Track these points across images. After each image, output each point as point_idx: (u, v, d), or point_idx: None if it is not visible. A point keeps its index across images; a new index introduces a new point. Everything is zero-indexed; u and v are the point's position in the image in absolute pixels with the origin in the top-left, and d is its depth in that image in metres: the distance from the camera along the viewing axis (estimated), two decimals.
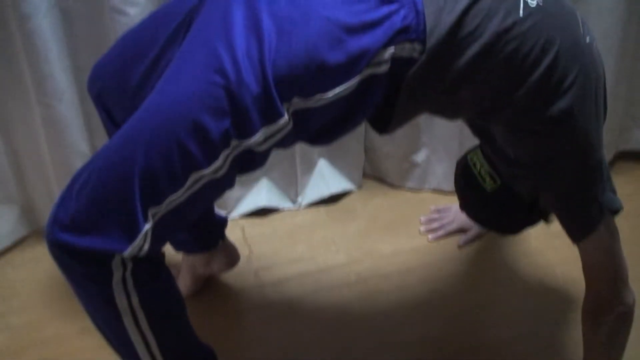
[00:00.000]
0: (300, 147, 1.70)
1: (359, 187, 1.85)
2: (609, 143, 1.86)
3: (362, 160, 1.85)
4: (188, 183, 0.92)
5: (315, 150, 1.79)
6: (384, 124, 1.06)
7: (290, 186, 1.77)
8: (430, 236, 1.68)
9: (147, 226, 0.92)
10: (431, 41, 0.95)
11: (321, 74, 0.91)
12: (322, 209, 1.78)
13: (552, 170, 1.10)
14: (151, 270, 0.99)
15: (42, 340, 1.39)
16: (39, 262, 1.61)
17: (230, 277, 1.54)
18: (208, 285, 1.52)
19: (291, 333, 1.42)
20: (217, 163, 0.92)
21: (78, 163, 1.55)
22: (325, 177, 1.81)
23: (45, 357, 1.36)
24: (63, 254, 0.93)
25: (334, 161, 1.83)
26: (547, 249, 1.62)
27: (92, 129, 1.57)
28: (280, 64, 0.88)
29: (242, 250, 1.55)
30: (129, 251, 0.91)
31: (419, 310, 1.47)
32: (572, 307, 1.47)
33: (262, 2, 0.91)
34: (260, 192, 1.76)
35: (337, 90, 0.93)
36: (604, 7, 1.64)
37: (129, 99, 1.09)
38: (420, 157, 1.80)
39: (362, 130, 1.79)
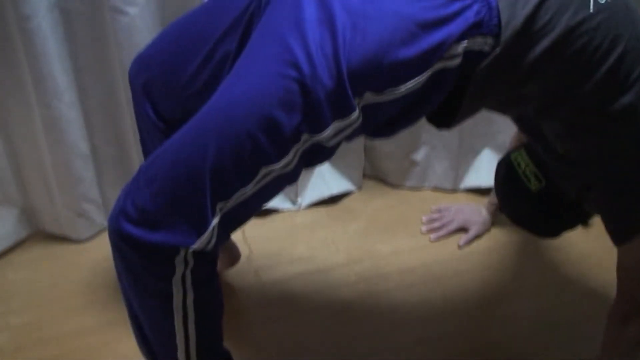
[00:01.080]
0: None
1: (359, 187, 1.86)
2: None
3: (362, 160, 1.85)
4: (257, 177, 0.92)
5: None
6: (447, 118, 1.04)
7: (290, 187, 1.77)
8: (432, 236, 1.68)
9: (215, 220, 0.92)
10: (506, 34, 0.95)
11: (394, 69, 0.90)
12: (322, 210, 1.78)
13: (607, 167, 1.09)
14: (209, 269, 0.99)
15: (42, 340, 1.39)
16: (39, 263, 1.61)
17: (231, 276, 1.54)
18: None
19: (291, 333, 1.42)
20: (288, 158, 0.91)
21: (78, 163, 1.55)
22: (325, 178, 1.81)
23: (45, 357, 1.36)
24: (126, 245, 0.92)
25: (334, 161, 1.83)
26: (548, 249, 1.62)
27: (92, 129, 1.57)
28: (354, 59, 0.87)
29: (242, 250, 1.55)
30: (196, 246, 0.91)
31: (419, 310, 1.47)
32: (572, 307, 1.47)
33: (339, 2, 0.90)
34: None
35: (409, 84, 0.92)
36: None
37: (179, 92, 1.09)
38: (420, 155, 1.80)
39: None
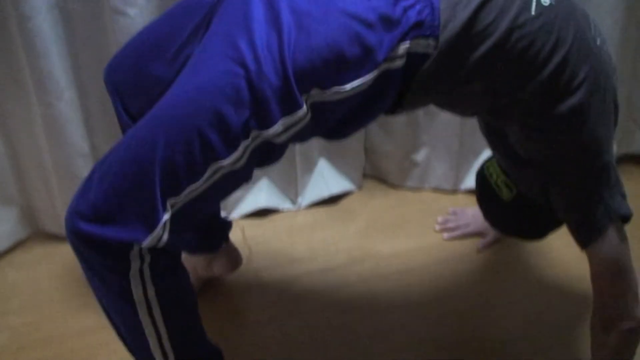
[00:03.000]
0: (300, 147, 1.70)
1: (359, 187, 1.85)
2: None
3: (362, 160, 1.85)
4: (207, 174, 0.93)
5: (315, 150, 1.79)
6: (390, 110, 1.07)
7: (290, 187, 1.77)
8: (445, 235, 1.68)
9: (166, 216, 0.93)
10: (444, 35, 0.96)
11: (339, 68, 0.92)
12: (322, 210, 1.78)
13: (559, 168, 1.10)
14: (168, 263, 1.00)
15: (42, 340, 1.39)
16: (39, 263, 1.61)
17: (231, 277, 1.54)
18: (208, 286, 1.51)
19: (291, 333, 1.42)
20: (237, 154, 0.93)
21: (78, 162, 1.55)
22: (325, 178, 1.81)
23: (45, 357, 1.36)
24: (82, 243, 0.93)
25: (334, 161, 1.83)
26: (548, 249, 1.62)
27: (92, 128, 1.57)
28: (300, 57, 0.90)
29: (242, 251, 1.55)
30: (148, 241, 0.92)
31: (419, 310, 1.47)
32: (572, 306, 1.47)
33: (282, 1, 0.93)
34: (260, 193, 1.76)
35: (355, 83, 0.94)
36: (603, 9, 1.64)
37: (147, 92, 1.10)
38: (420, 156, 1.80)
39: (363, 130, 1.79)
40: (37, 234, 1.68)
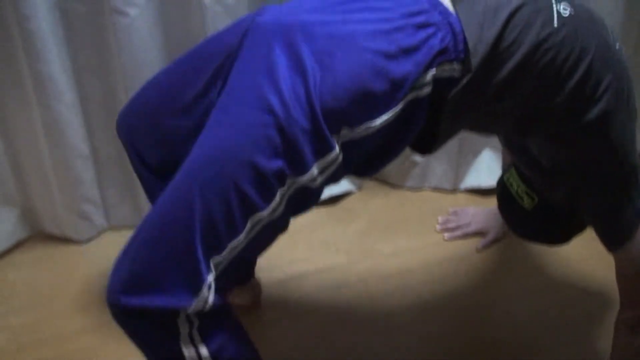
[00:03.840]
0: None
1: (359, 187, 1.86)
2: None
3: None
4: (248, 227, 0.91)
5: None
6: (427, 145, 1.06)
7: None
8: (446, 235, 1.68)
9: (211, 277, 0.91)
10: (476, 58, 0.96)
11: (367, 103, 0.91)
12: (322, 210, 1.78)
13: (588, 174, 1.11)
14: (217, 321, 0.96)
15: (42, 340, 1.39)
16: (39, 263, 1.61)
17: None
18: None
19: (291, 333, 1.42)
20: (274, 203, 0.91)
21: (78, 164, 1.55)
22: None
23: (45, 357, 1.36)
24: (127, 318, 0.91)
25: None
26: (547, 250, 1.62)
27: (92, 130, 1.57)
28: (327, 97, 0.89)
29: None
30: (194, 306, 0.89)
31: (419, 310, 1.47)
32: (571, 307, 1.47)
33: (301, 40, 0.91)
34: None
35: (384, 117, 0.93)
36: (603, 10, 1.64)
37: (164, 143, 1.10)
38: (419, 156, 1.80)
39: None
40: (37, 234, 1.68)
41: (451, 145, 1.77)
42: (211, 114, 0.95)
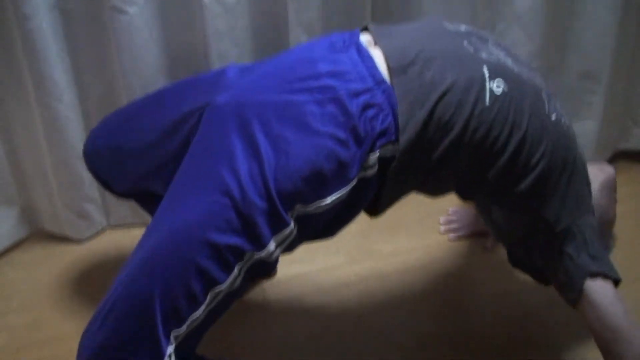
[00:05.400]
0: None
1: None
2: (609, 142, 1.87)
3: None
4: (207, 300, 0.96)
5: None
6: (373, 210, 1.13)
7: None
8: (451, 236, 1.68)
9: (170, 349, 0.95)
10: (404, 137, 1.01)
11: (319, 184, 0.97)
12: None
13: (528, 236, 1.16)
14: None
15: (42, 340, 1.39)
16: (39, 262, 1.61)
17: None
18: None
19: (291, 333, 1.42)
20: (233, 276, 0.97)
21: (78, 163, 1.55)
22: None
23: (45, 357, 1.36)
24: None
25: None
26: None
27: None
28: (281, 179, 0.95)
29: None
30: None
31: (419, 310, 1.47)
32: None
33: (256, 124, 0.97)
34: None
35: (335, 196, 0.99)
36: (601, 6, 1.64)
37: (126, 178, 1.20)
38: None
39: None
40: (37, 234, 1.68)
41: None
42: (169, 191, 1.01)
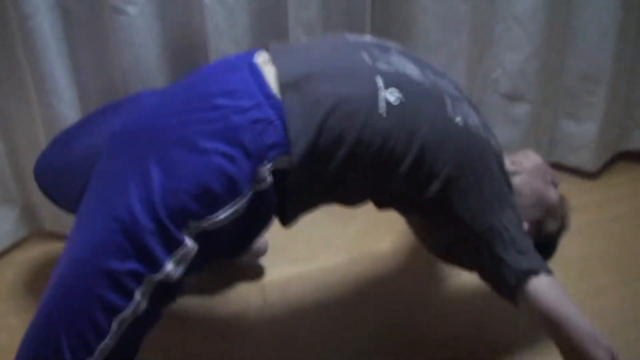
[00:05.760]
0: None
1: None
2: (609, 143, 1.86)
3: None
4: (114, 328, 0.97)
5: None
6: (283, 221, 1.13)
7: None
8: None
9: None
10: (296, 149, 1.01)
11: (209, 200, 0.98)
12: (322, 210, 1.77)
13: (452, 242, 1.18)
14: None
15: None
16: (39, 262, 1.61)
17: (230, 277, 1.54)
18: (207, 285, 1.52)
19: (291, 333, 1.42)
20: (135, 301, 0.97)
21: None
22: None
23: None
24: None
25: None
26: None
27: None
28: (169, 199, 0.96)
29: None
30: None
31: (419, 310, 1.47)
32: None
33: (149, 150, 1.00)
34: None
35: (228, 212, 0.99)
36: (601, 6, 1.64)
37: (71, 196, 1.19)
38: None
39: None
40: (37, 234, 1.68)
41: None
42: (76, 218, 1.05)
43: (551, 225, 1.31)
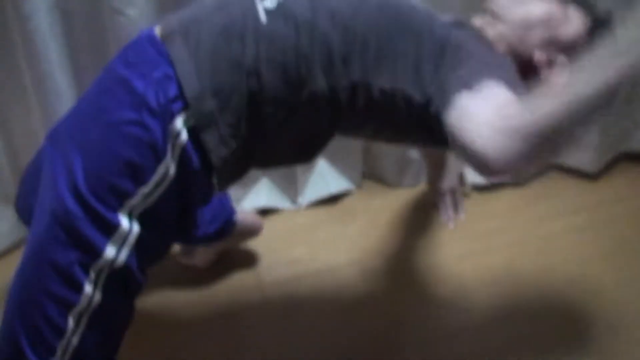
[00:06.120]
0: None
1: (359, 186, 1.85)
2: (610, 144, 1.86)
3: (361, 160, 1.84)
4: (70, 324, 0.97)
5: None
6: (218, 184, 1.07)
7: (290, 186, 1.77)
8: (461, 216, 1.66)
9: None
10: (190, 91, 0.97)
11: (131, 171, 0.95)
12: (322, 209, 1.78)
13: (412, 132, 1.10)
14: None
15: None
16: None
17: (231, 277, 1.54)
18: (207, 286, 1.52)
19: (291, 333, 1.42)
20: (86, 293, 0.96)
21: None
22: (325, 177, 1.81)
23: None
24: None
25: (334, 161, 1.83)
26: (546, 251, 1.62)
27: None
28: (92, 180, 0.95)
29: (242, 251, 1.55)
30: None
31: (419, 310, 1.47)
32: (572, 306, 1.47)
33: (68, 140, 0.99)
34: (260, 192, 1.76)
35: (155, 178, 0.97)
36: (601, 5, 1.63)
37: None
38: (415, 153, 1.80)
39: None
40: None
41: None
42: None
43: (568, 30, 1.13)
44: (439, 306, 1.49)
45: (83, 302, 0.96)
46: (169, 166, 0.97)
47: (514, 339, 1.40)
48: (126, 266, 0.98)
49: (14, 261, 1.61)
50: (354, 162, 1.83)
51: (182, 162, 0.98)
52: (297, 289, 1.53)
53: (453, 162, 1.64)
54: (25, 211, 1.25)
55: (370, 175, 1.89)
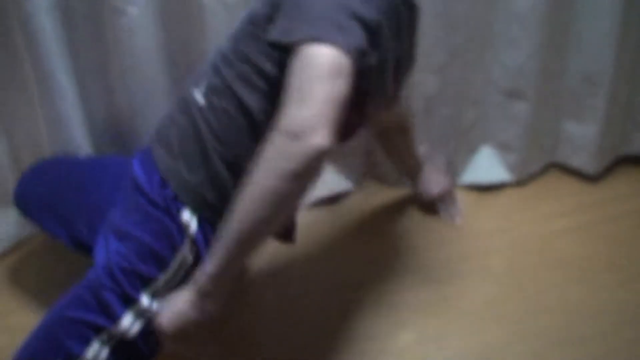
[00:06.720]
0: None
1: (359, 187, 1.85)
2: (610, 146, 1.86)
3: (362, 160, 1.85)
4: None
5: None
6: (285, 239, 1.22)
7: None
8: (458, 219, 1.71)
9: None
10: (174, 185, 1.09)
11: (154, 260, 1.07)
12: (322, 209, 1.78)
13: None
14: None
15: None
16: (39, 263, 1.61)
17: None
18: None
19: (291, 334, 1.42)
20: (93, 351, 1.05)
21: None
22: (325, 177, 1.81)
23: None
24: None
25: (334, 161, 1.83)
26: (546, 251, 1.62)
27: (94, 129, 1.57)
28: (123, 263, 1.06)
29: None
30: None
31: (420, 310, 1.47)
32: (574, 306, 1.47)
33: (107, 225, 1.13)
34: None
35: (176, 264, 1.08)
36: (602, 9, 1.64)
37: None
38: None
39: (362, 130, 1.79)
40: (37, 234, 1.68)
41: (448, 143, 1.77)
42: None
43: None
44: (439, 307, 1.49)
45: (87, 356, 1.05)
46: (186, 253, 1.08)
47: (516, 340, 1.40)
48: (137, 341, 1.07)
49: (14, 261, 1.63)
50: (354, 162, 1.83)
51: (196, 248, 1.09)
52: (297, 289, 1.53)
53: (435, 166, 1.67)
54: (23, 198, 1.37)
55: (370, 175, 1.90)
